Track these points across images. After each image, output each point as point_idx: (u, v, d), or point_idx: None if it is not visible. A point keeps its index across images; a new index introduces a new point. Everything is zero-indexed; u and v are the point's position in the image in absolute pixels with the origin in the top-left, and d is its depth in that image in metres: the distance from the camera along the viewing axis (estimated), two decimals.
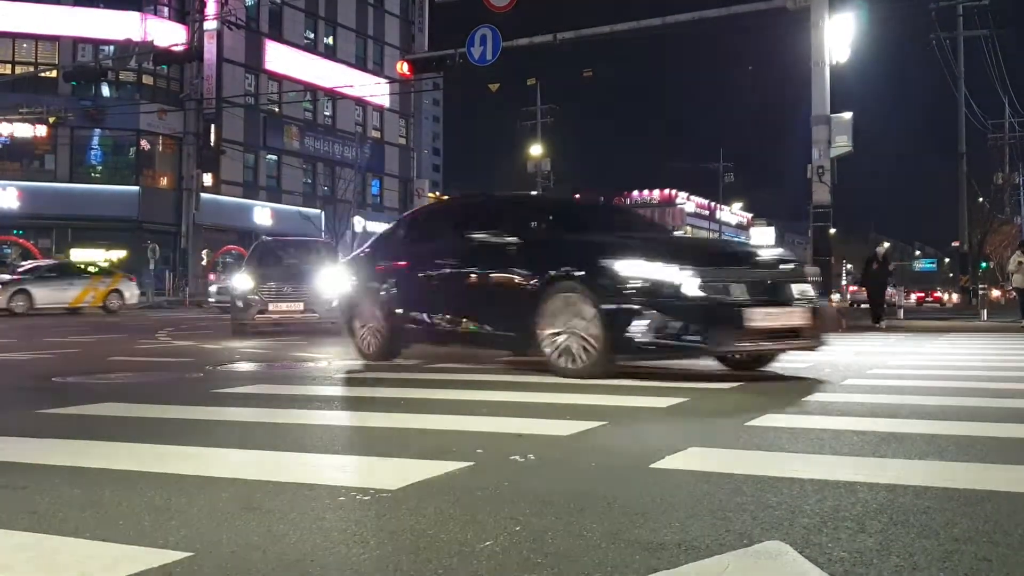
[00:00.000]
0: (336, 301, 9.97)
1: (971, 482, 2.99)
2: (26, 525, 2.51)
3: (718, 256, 6.90)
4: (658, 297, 6.16)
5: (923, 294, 63.59)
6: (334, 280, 10.23)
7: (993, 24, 32.32)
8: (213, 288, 27.31)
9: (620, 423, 4.37)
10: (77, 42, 37.56)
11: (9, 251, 35.78)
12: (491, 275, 7.41)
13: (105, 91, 37.48)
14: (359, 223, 45.60)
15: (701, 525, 2.46)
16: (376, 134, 52.31)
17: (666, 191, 74.73)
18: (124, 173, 38.74)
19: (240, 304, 13.03)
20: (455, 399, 5.44)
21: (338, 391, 5.92)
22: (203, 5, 39.38)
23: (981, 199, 43.16)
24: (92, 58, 33.58)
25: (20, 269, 24.72)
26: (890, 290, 22.48)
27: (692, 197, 76.61)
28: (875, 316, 16.92)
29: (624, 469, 3.25)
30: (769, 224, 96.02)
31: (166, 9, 40.35)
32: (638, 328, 6.16)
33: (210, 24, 38.90)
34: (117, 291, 24.82)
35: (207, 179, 40.09)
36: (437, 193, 70.37)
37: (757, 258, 7.02)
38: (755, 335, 6.27)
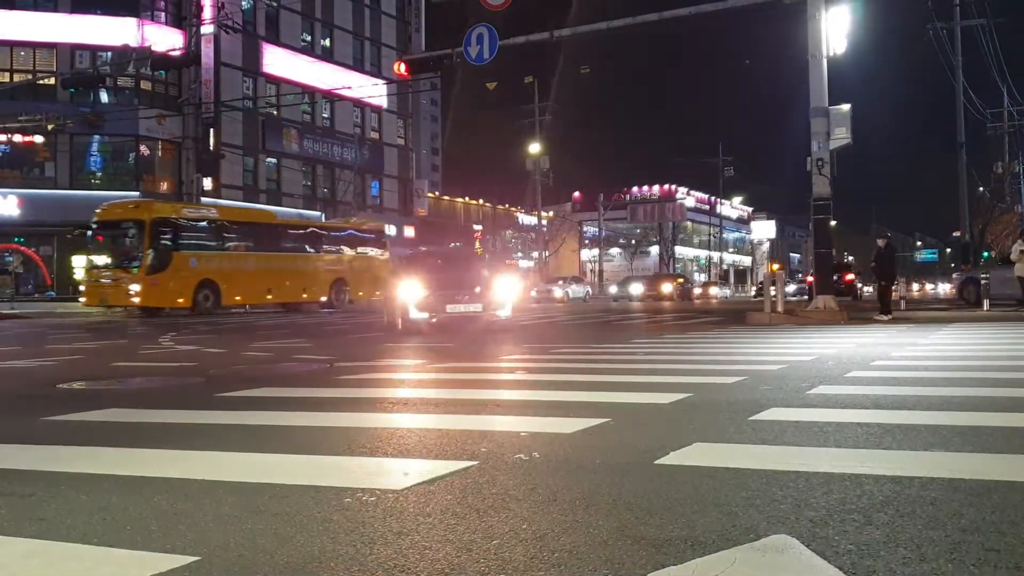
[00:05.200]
0: None
1: (977, 472, 2.99)
2: (34, 532, 2.52)
3: None
4: None
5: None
6: None
7: (990, 13, 32.24)
8: None
9: (624, 420, 4.37)
10: (75, 49, 37.56)
11: (11, 259, 35.78)
12: None
13: (104, 97, 37.39)
14: None
15: (707, 520, 2.46)
16: (375, 135, 52.30)
17: (666, 186, 74.69)
18: (124, 179, 38.74)
19: None
20: (459, 398, 5.44)
21: (341, 392, 5.92)
22: (200, 10, 39.37)
23: (981, 189, 43.07)
24: (90, 65, 33.60)
25: None
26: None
27: (692, 192, 76.58)
28: (887, 309, 16.24)
29: (629, 466, 3.25)
30: (770, 217, 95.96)
31: (163, 15, 40.34)
32: None
33: (207, 28, 38.91)
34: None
35: (207, 183, 40.09)
36: (437, 193, 70.31)
37: None
38: None
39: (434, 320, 13.35)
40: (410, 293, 13.49)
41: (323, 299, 27.85)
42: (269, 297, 26.23)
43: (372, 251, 31.05)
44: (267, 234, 26.81)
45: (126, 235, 23.13)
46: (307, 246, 28.25)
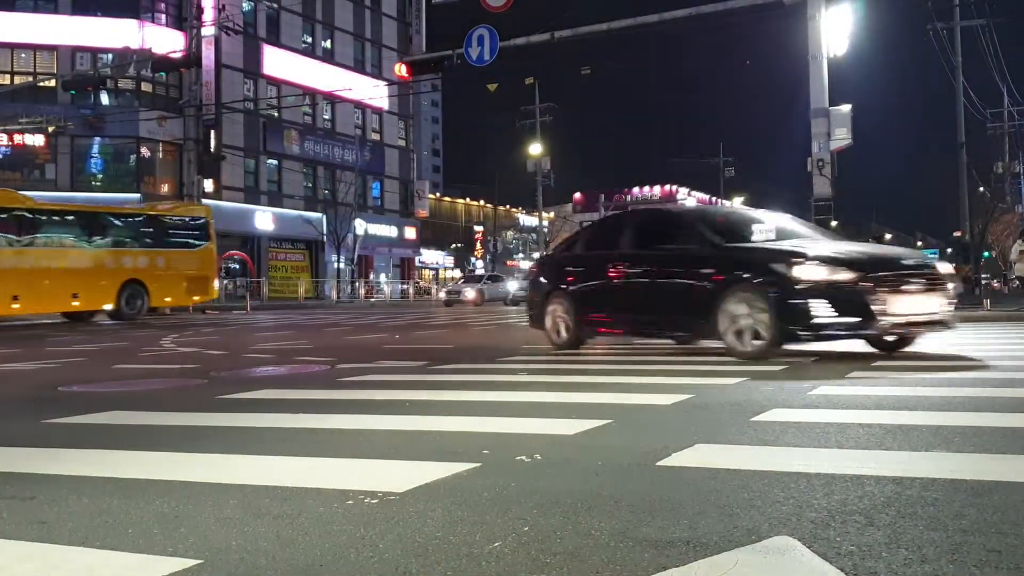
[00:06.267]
0: None
1: (978, 473, 2.98)
2: (35, 535, 2.52)
3: None
4: None
5: None
6: None
7: (990, 13, 32.23)
8: None
9: (626, 421, 4.37)
10: (75, 51, 37.62)
11: None
12: None
13: (104, 99, 37.37)
14: (360, 226, 45.68)
15: (709, 522, 2.46)
16: (376, 136, 52.35)
17: (667, 187, 74.77)
18: (125, 180, 38.79)
19: None
20: (460, 400, 5.44)
21: (343, 394, 5.92)
22: (200, 11, 39.41)
23: (982, 188, 43.06)
24: (91, 66, 33.61)
25: None
26: None
27: (693, 192, 76.64)
28: None
29: (631, 467, 3.25)
30: None
31: (164, 16, 40.40)
32: None
33: (208, 30, 38.95)
34: None
35: (208, 185, 40.13)
36: (438, 194, 70.37)
37: None
38: None
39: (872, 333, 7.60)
40: (809, 274, 7.23)
41: (107, 307, 21.11)
42: (15, 306, 19.46)
43: (189, 243, 23.82)
44: (10, 221, 19.78)
45: None
46: (78, 237, 21.16)
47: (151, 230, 23.04)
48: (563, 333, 9.68)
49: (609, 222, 11.00)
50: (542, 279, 10.47)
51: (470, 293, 36.94)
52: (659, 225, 9.41)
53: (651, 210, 10.09)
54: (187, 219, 24.49)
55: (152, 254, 22.52)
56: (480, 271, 57.34)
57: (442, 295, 40.81)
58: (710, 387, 5.73)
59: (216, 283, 25.31)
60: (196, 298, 24.22)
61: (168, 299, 23.05)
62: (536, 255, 61.42)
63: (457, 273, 57.32)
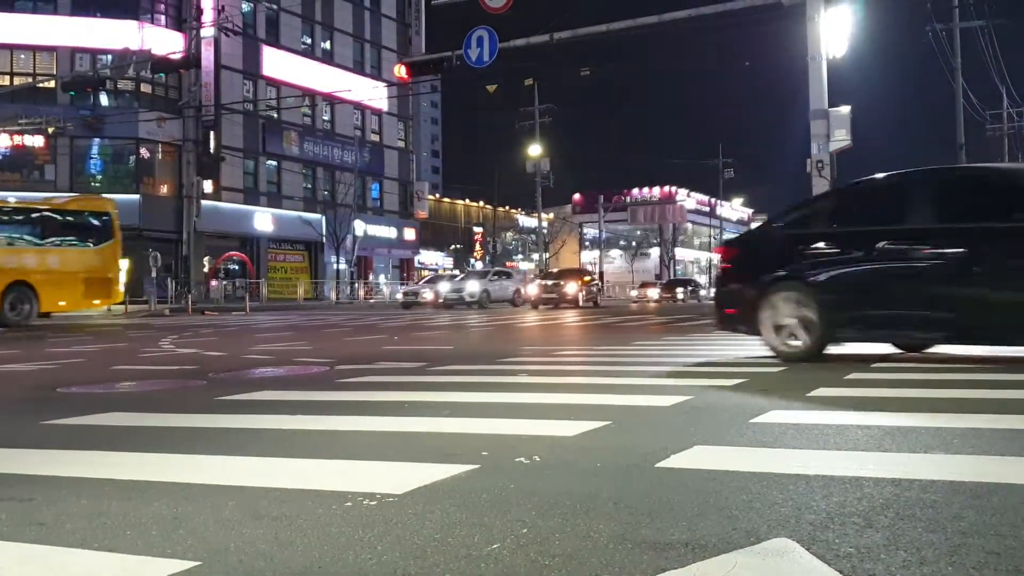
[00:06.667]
0: None
1: (978, 475, 2.98)
2: (33, 537, 2.52)
3: None
4: None
5: None
6: None
7: (989, 15, 32.26)
8: None
9: (624, 423, 4.37)
10: (75, 52, 37.65)
11: None
12: None
13: (104, 100, 37.51)
14: (359, 227, 45.70)
15: (708, 524, 2.46)
16: (375, 137, 52.38)
17: (666, 188, 74.77)
18: (124, 181, 38.81)
19: None
20: (459, 401, 5.44)
21: (341, 396, 5.92)
22: (200, 13, 39.44)
23: None
24: (90, 67, 33.68)
25: None
26: None
27: (692, 194, 76.63)
28: None
29: (630, 469, 3.25)
30: None
31: (163, 17, 40.43)
32: None
33: (207, 31, 39.00)
34: None
35: (207, 186, 40.16)
36: (437, 195, 70.42)
37: None
38: None
39: None
40: None
41: None
42: None
43: (88, 241, 21.19)
44: None
45: None
46: None
47: (42, 226, 20.36)
48: (797, 338, 7.26)
49: (874, 187, 7.69)
50: (752, 266, 7.89)
51: (428, 294, 34.51)
52: (987, 188, 6.96)
53: (960, 169, 8.05)
54: (86, 214, 21.56)
55: (42, 253, 19.92)
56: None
57: (399, 296, 37.62)
58: (709, 389, 5.73)
59: (120, 286, 22.33)
60: (96, 302, 21.88)
61: (62, 303, 20.55)
62: (547, 257, 61.16)
63: (458, 273, 57.32)
